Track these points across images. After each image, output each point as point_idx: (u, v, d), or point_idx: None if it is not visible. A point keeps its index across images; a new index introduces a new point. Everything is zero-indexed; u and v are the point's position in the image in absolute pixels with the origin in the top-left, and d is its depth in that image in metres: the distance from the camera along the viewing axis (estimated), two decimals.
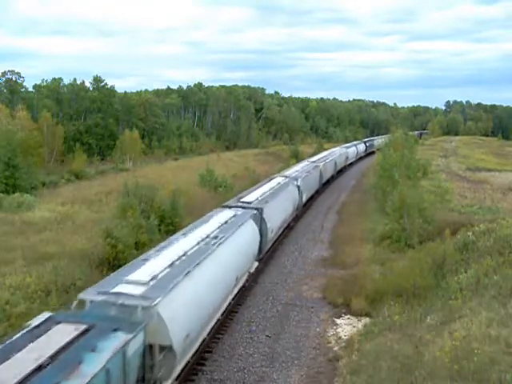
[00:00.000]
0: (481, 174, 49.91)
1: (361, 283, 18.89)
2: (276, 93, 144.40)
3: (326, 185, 46.38)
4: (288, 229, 28.56)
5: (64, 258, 18.90)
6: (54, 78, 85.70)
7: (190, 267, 12.69)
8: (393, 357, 12.33)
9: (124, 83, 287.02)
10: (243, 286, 18.26)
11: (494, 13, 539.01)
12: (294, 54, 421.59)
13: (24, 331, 8.74)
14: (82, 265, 18.83)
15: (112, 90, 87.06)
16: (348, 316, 17.63)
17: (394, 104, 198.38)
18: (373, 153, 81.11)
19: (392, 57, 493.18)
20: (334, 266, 23.04)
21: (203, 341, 13.65)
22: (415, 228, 23.13)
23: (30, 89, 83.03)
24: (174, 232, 19.77)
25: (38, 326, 8.92)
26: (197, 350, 13.16)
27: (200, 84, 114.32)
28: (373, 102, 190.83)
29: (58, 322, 9.11)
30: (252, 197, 23.53)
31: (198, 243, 14.88)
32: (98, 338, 8.54)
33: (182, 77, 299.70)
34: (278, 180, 30.05)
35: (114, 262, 19.67)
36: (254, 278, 20.59)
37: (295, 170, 36.94)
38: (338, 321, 17.34)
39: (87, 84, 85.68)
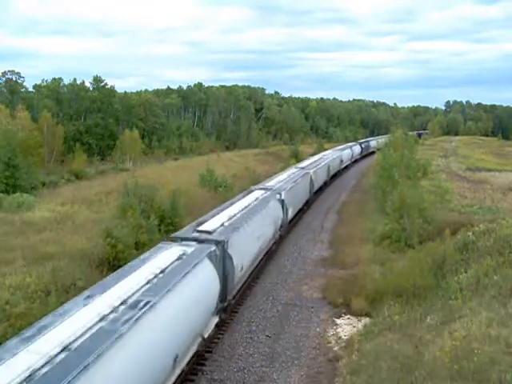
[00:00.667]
0: (481, 173, 49.88)
1: (361, 283, 18.88)
2: (276, 93, 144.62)
3: (318, 192, 41.86)
4: (268, 254, 23.33)
5: (64, 258, 18.88)
6: (54, 78, 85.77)
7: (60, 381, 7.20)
8: (393, 357, 12.33)
9: (124, 83, 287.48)
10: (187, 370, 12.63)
11: (493, 13, 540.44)
12: (294, 54, 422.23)
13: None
14: (82, 265, 18.83)
15: (112, 90, 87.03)
16: (348, 316, 17.62)
17: (394, 104, 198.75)
18: (369, 155, 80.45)
19: (392, 57, 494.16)
20: (333, 266, 23.04)
21: None
22: (415, 228, 23.12)
23: (30, 89, 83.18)
24: (174, 231, 19.68)
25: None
26: None
27: (200, 84, 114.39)
28: (373, 101, 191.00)
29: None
30: (216, 222, 17.81)
31: (102, 319, 9.24)
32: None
33: (182, 77, 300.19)
34: (257, 194, 24.86)
35: (113, 262, 19.68)
36: (253, 279, 20.55)
37: (279, 179, 31.49)
38: (338, 321, 17.33)
39: (87, 84, 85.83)
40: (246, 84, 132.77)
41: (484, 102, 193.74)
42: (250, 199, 23.25)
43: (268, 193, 25.59)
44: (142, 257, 13.73)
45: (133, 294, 10.55)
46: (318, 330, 16.70)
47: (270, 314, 17.80)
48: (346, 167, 63.56)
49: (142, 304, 10.11)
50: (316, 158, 50.79)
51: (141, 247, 20.97)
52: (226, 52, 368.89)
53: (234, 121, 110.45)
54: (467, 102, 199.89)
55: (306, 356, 14.86)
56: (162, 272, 12.24)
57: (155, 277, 11.85)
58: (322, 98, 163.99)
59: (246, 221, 18.89)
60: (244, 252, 17.40)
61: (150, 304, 10.16)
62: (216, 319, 14.85)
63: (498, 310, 13.38)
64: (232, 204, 21.86)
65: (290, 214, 28.13)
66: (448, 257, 18.97)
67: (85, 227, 23.98)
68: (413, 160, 33.23)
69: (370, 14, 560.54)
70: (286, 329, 16.69)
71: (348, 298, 18.27)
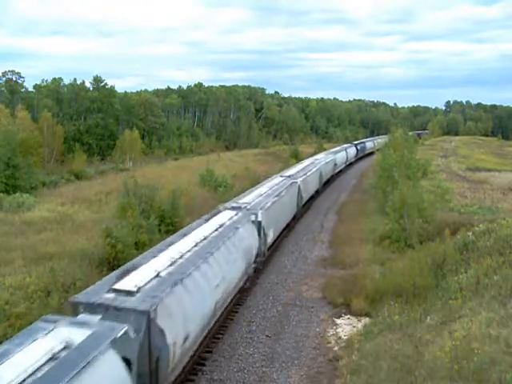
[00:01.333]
0: (481, 173, 49.89)
1: (361, 283, 18.87)
2: (276, 93, 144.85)
3: (309, 201, 36.69)
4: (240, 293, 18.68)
5: (64, 258, 18.91)
6: (54, 78, 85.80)
7: None
8: (393, 357, 12.33)
9: (124, 83, 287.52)
10: None
11: (493, 13, 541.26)
12: (293, 54, 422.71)
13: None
14: (82, 265, 18.84)
15: (112, 89, 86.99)
16: (348, 316, 17.61)
17: (394, 104, 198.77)
18: (364, 157, 78.80)
19: (392, 57, 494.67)
20: (333, 265, 23.03)
21: None
22: (415, 228, 23.12)
23: (30, 89, 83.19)
24: (174, 231, 19.65)
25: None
26: None
27: (200, 84, 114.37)
28: (373, 101, 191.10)
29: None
30: (148, 272, 12.01)
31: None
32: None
33: (181, 77, 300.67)
34: (223, 218, 18.75)
35: (113, 261, 19.68)
36: (252, 280, 20.51)
37: (259, 193, 25.11)
38: (338, 321, 17.33)
39: (87, 84, 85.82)
40: (246, 84, 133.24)
41: (484, 102, 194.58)
42: (210, 227, 17.19)
43: (240, 214, 19.80)
44: None
45: None
46: (317, 330, 16.69)
47: (270, 314, 17.80)
48: (340, 171, 58.49)
49: None
50: (306, 162, 44.09)
51: (141, 247, 20.97)
52: (225, 52, 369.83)
53: (233, 121, 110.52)
54: (467, 102, 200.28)
55: (306, 356, 14.85)
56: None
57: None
58: (322, 98, 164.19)
59: (196, 265, 13.24)
60: (189, 318, 11.92)
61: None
62: None
63: (498, 310, 13.37)
64: (184, 236, 15.84)
65: (271, 238, 22.84)
66: (448, 257, 18.97)
67: (85, 227, 24.01)
68: (413, 160, 33.24)
69: (370, 15, 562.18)
70: (286, 329, 16.69)
71: (348, 298, 18.26)
